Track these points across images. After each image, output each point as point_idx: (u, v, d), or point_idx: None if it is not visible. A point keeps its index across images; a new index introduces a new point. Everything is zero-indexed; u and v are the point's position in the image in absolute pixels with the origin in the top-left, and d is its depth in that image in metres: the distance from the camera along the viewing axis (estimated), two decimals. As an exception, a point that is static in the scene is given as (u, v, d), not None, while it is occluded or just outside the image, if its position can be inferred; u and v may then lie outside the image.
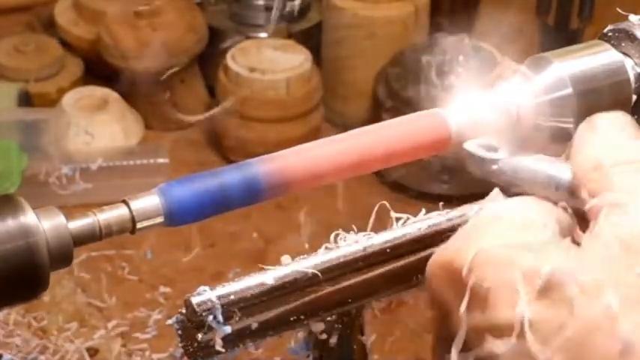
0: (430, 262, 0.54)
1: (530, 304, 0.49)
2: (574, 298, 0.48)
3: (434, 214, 0.61)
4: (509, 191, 0.57)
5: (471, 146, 0.58)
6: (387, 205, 0.61)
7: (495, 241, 0.51)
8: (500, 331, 0.49)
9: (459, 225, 0.56)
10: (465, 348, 0.51)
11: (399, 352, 1.26)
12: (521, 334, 0.48)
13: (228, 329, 0.56)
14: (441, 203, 0.65)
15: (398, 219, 0.61)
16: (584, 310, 0.48)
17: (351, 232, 0.60)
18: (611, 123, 0.55)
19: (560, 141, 0.63)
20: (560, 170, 0.55)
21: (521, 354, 0.49)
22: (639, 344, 0.47)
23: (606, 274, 0.48)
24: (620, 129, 0.55)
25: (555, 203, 0.55)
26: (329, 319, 0.59)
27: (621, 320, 0.47)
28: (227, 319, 0.56)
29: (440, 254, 0.53)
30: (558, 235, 0.52)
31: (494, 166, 0.57)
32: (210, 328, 0.56)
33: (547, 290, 0.48)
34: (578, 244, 0.52)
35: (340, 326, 0.61)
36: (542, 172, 0.56)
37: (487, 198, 0.58)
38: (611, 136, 0.55)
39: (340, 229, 0.60)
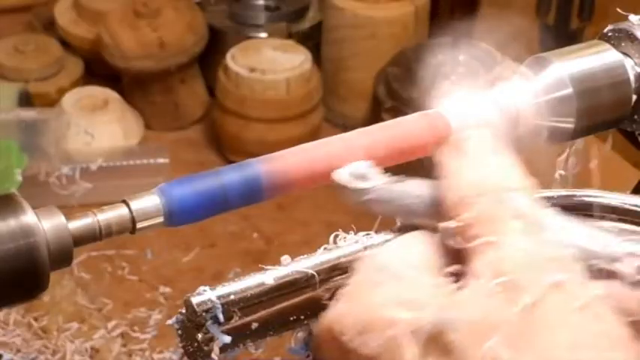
0: (318, 326, 0.52)
1: None
2: (456, 345, 0.46)
3: None
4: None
5: (339, 176, 0.57)
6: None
7: (375, 300, 0.49)
8: None
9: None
10: None
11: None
12: None
13: (227, 339, 0.56)
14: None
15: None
16: (469, 356, 0.46)
17: (351, 232, 0.60)
18: (476, 144, 0.54)
19: (560, 141, 0.63)
20: (430, 195, 0.54)
21: None
22: None
23: (487, 314, 0.47)
24: (485, 150, 0.53)
25: (435, 230, 0.54)
26: None
27: None
28: (227, 319, 0.56)
29: (325, 319, 0.51)
30: (437, 276, 0.50)
31: (367, 196, 0.56)
32: (209, 332, 0.56)
33: (431, 342, 0.47)
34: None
35: None
36: (415, 198, 0.55)
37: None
38: (475, 160, 0.53)
39: (340, 229, 0.60)
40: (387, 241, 0.56)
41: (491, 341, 0.46)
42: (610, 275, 0.52)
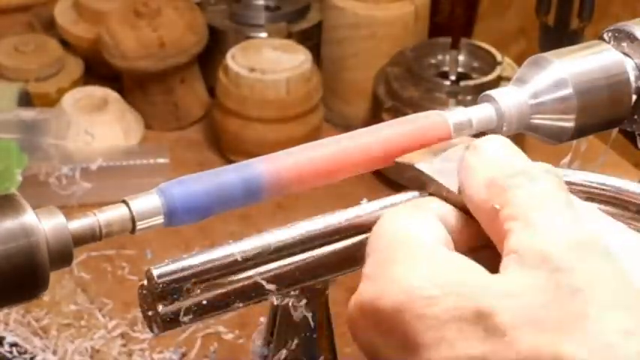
0: (350, 305, 0.51)
1: (469, 342, 0.46)
2: (504, 329, 0.45)
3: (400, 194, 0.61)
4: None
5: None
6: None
7: (408, 280, 0.48)
8: None
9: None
10: None
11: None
12: None
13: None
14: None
15: None
16: (519, 342, 0.45)
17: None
18: (493, 144, 0.53)
19: (561, 141, 0.63)
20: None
21: None
22: None
23: (536, 299, 0.46)
24: (504, 148, 0.53)
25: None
26: (293, 293, 0.59)
27: (565, 345, 0.45)
28: (190, 291, 0.56)
29: (356, 300, 0.51)
30: (455, 252, 0.50)
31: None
32: (172, 301, 0.56)
33: (475, 323, 0.46)
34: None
35: (305, 301, 0.61)
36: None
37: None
38: (496, 154, 0.53)
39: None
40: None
41: (542, 325, 0.45)
42: None
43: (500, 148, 0.53)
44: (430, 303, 0.47)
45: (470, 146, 0.54)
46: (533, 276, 0.47)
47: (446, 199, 0.55)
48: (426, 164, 0.57)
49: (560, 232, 0.48)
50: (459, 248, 0.52)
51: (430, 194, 0.56)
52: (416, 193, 0.57)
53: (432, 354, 0.47)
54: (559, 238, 0.47)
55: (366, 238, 0.54)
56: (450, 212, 0.54)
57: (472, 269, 0.49)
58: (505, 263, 0.48)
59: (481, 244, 0.52)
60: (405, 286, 0.48)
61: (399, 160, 0.58)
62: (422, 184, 0.57)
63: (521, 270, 0.47)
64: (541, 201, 0.49)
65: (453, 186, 0.54)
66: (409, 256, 0.50)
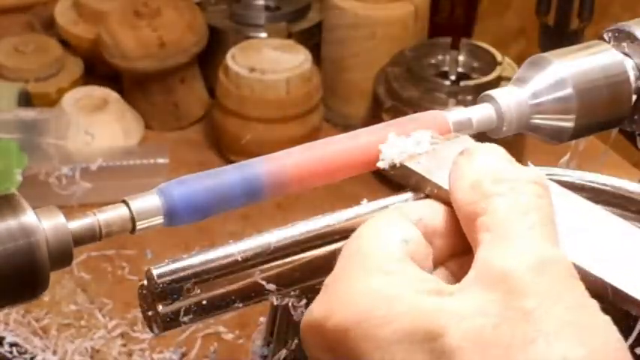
0: (302, 324, 0.51)
1: None
2: (455, 352, 0.45)
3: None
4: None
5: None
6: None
7: (363, 297, 0.48)
8: None
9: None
10: None
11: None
12: None
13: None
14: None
15: None
16: None
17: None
18: (487, 151, 0.53)
19: (560, 141, 0.63)
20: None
21: None
22: None
23: (487, 321, 0.45)
24: (497, 155, 0.53)
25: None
26: (293, 293, 0.59)
27: None
28: (189, 290, 0.56)
29: (309, 313, 0.51)
30: (424, 267, 0.50)
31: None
32: (172, 301, 0.56)
33: (423, 344, 0.46)
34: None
35: (305, 301, 0.61)
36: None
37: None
38: (488, 159, 0.52)
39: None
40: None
41: (490, 350, 0.45)
42: None
43: (493, 155, 0.53)
44: (381, 323, 0.47)
45: (464, 151, 0.54)
46: (488, 296, 0.46)
47: (436, 197, 0.55)
48: (415, 162, 0.57)
49: (525, 250, 0.47)
50: (442, 254, 0.52)
51: (426, 195, 0.56)
52: (409, 195, 0.57)
53: None
54: (522, 257, 0.47)
55: None
56: (435, 215, 0.53)
57: (429, 288, 0.48)
58: (466, 278, 0.48)
59: (465, 250, 0.52)
60: (355, 307, 0.48)
61: None
62: (413, 182, 0.57)
63: (478, 288, 0.47)
64: (517, 214, 0.49)
65: (443, 183, 0.54)
66: (366, 271, 0.49)
